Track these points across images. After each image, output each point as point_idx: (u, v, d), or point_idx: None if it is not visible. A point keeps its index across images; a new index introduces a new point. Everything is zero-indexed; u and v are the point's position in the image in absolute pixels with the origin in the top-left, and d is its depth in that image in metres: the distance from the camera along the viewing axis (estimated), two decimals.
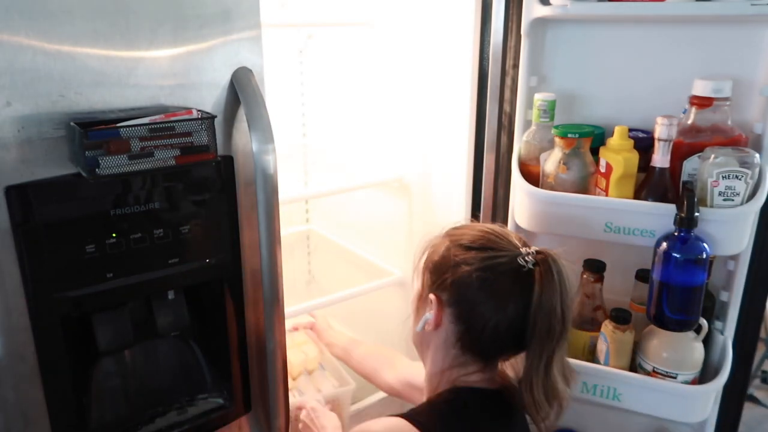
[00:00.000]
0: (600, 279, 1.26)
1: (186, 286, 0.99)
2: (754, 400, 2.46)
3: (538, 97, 1.23)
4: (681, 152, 1.12)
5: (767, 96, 1.11)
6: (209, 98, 0.91)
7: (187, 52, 0.87)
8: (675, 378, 1.15)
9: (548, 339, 0.85)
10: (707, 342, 1.19)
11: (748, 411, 2.27)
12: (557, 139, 1.19)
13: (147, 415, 1.01)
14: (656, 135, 1.09)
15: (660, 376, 1.16)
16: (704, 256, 1.06)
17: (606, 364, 1.22)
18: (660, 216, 1.09)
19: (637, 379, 1.18)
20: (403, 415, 0.87)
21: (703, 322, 1.15)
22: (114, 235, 0.86)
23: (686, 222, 1.05)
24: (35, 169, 0.78)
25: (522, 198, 1.26)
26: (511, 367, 0.96)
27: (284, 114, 2.00)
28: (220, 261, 0.98)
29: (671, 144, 1.09)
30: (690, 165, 1.12)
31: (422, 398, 0.98)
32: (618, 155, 1.13)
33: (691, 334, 1.16)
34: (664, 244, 1.08)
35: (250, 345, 1.07)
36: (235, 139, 0.95)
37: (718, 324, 1.23)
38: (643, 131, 1.21)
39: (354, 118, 1.84)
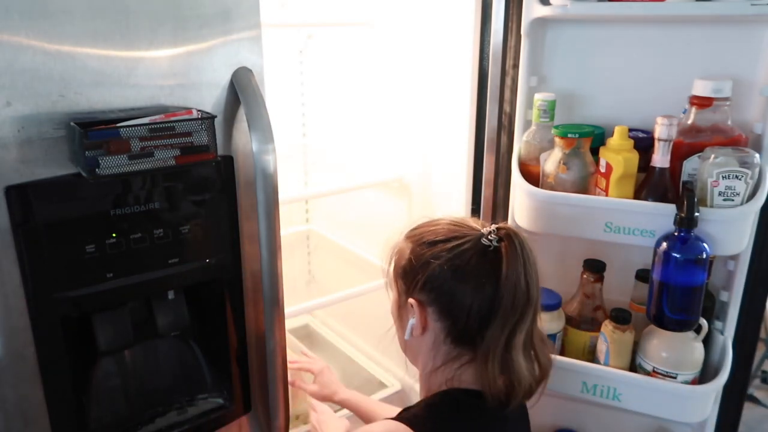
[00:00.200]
0: (600, 279, 1.27)
1: (186, 286, 0.99)
2: (754, 400, 2.46)
3: (538, 97, 1.23)
4: (681, 152, 1.12)
5: (767, 96, 1.11)
6: (209, 98, 0.91)
7: (187, 52, 0.87)
8: (675, 378, 1.15)
9: (512, 312, 0.85)
10: (707, 342, 1.19)
11: (748, 411, 2.27)
12: (557, 139, 1.19)
13: (147, 415, 1.01)
14: (656, 135, 1.09)
15: (660, 376, 1.16)
16: (704, 256, 1.06)
17: (606, 364, 1.22)
18: (660, 216, 1.09)
19: (637, 379, 1.18)
20: (401, 419, 0.87)
21: (703, 322, 1.15)
22: (114, 235, 0.86)
23: (686, 222, 1.05)
24: (35, 169, 0.78)
25: (522, 198, 1.26)
26: None
27: (284, 114, 2.00)
28: (220, 261, 0.98)
29: (671, 144, 1.09)
30: (690, 165, 1.12)
31: None
32: (618, 155, 1.13)
33: (691, 334, 1.16)
34: (664, 244, 1.08)
35: (250, 345, 1.07)
36: (235, 139, 0.95)
37: (718, 324, 1.23)
38: (643, 131, 1.21)
39: (354, 118, 1.84)
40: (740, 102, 1.14)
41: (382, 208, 1.83)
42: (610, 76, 1.28)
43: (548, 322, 1.26)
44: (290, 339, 1.95)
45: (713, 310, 1.23)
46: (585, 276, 1.27)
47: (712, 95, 1.09)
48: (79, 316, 0.89)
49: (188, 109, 0.86)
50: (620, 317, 1.19)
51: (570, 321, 1.29)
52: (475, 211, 1.50)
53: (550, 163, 1.21)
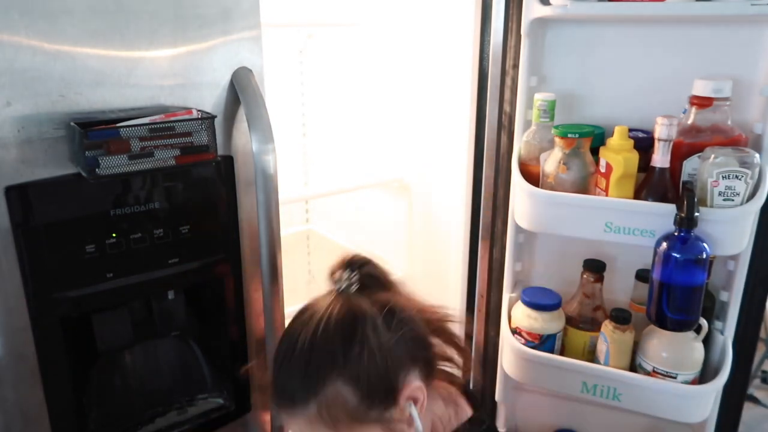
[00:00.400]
0: (600, 279, 1.27)
1: (186, 286, 0.99)
2: (754, 400, 2.46)
3: (538, 97, 1.23)
4: (681, 152, 1.12)
5: (767, 96, 1.11)
6: (209, 98, 0.91)
7: (187, 52, 0.87)
8: (675, 378, 1.15)
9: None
10: (707, 342, 1.19)
11: (748, 411, 2.27)
12: (557, 139, 1.19)
13: (147, 415, 1.01)
14: (656, 135, 1.09)
15: (660, 376, 1.16)
16: (704, 256, 1.06)
17: (606, 364, 1.22)
18: (660, 216, 1.09)
19: (637, 379, 1.18)
20: None
21: (703, 322, 1.15)
22: (114, 235, 0.86)
23: (686, 222, 1.05)
24: (35, 169, 0.78)
25: (522, 198, 1.26)
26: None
27: (284, 114, 2.00)
28: (220, 261, 0.98)
29: (671, 144, 1.09)
30: (690, 165, 1.12)
31: None
32: (618, 155, 1.13)
33: (691, 334, 1.16)
34: (664, 244, 1.08)
35: (250, 345, 1.07)
36: (235, 139, 0.95)
37: (718, 324, 1.23)
38: (643, 131, 1.21)
39: (354, 118, 1.84)
40: (740, 102, 1.14)
41: (382, 208, 1.83)
42: (610, 76, 1.28)
43: (548, 322, 1.26)
44: None
45: (713, 310, 1.23)
46: (585, 276, 1.27)
47: (712, 95, 1.09)
48: (78, 316, 0.89)
49: (188, 109, 0.86)
50: (620, 317, 1.19)
51: (570, 321, 1.29)
52: (476, 211, 1.50)
53: (550, 163, 1.21)
